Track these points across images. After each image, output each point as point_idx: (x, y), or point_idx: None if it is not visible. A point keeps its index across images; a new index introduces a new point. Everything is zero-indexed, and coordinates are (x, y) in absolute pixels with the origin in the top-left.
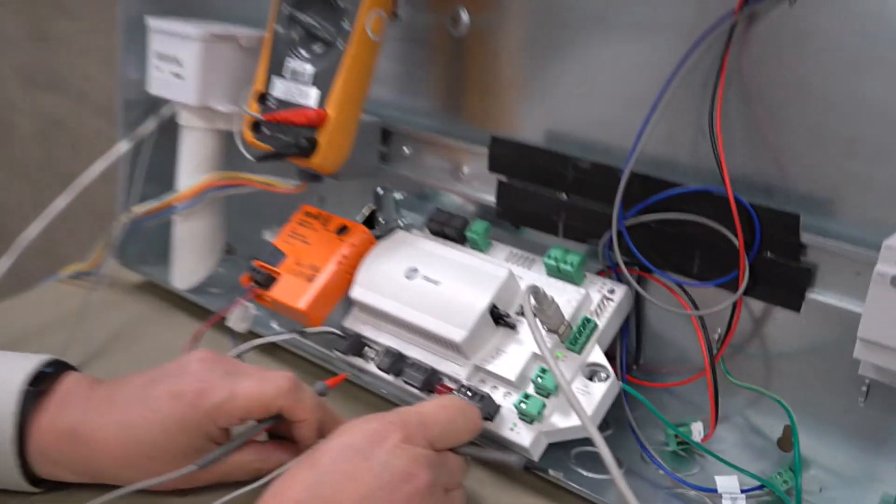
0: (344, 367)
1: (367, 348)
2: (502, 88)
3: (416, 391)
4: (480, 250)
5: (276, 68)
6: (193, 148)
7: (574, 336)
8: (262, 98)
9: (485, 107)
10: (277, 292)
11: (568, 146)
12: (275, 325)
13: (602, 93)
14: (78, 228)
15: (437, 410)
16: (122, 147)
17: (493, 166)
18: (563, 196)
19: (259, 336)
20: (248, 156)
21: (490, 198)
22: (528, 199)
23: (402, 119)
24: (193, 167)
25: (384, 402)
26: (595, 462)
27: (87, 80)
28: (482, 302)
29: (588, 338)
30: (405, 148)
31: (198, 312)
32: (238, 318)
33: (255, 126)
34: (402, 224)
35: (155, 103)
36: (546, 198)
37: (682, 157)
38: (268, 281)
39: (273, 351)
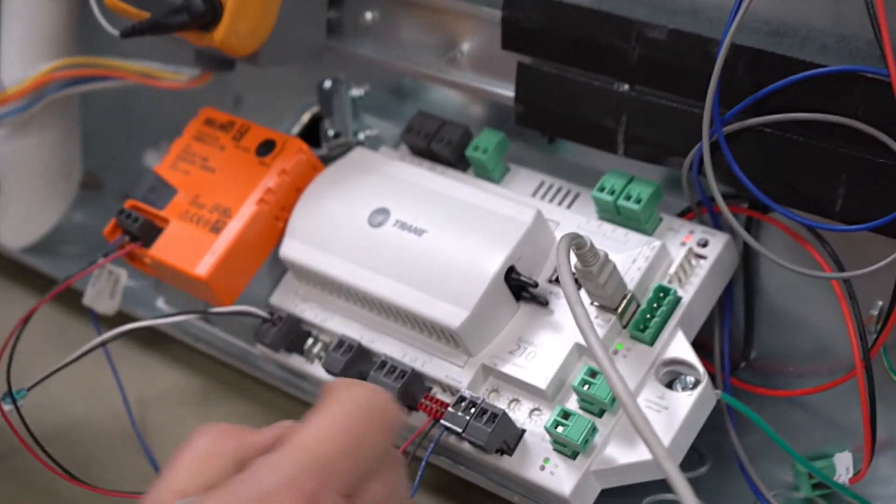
0: (272, 371)
1: (309, 340)
2: None
3: None
4: (491, 179)
5: None
6: (23, 17)
7: (642, 317)
8: None
9: None
10: (163, 250)
11: (630, 3)
12: (161, 304)
13: None
14: None
15: (330, 434)
16: None
17: (509, 40)
18: (624, 87)
19: (135, 319)
20: (109, 29)
21: (505, 92)
22: (567, 93)
23: None
24: (23, 50)
25: None
26: None
27: None
28: (493, 263)
29: (665, 319)
30: (367, 13)
31: (39, 282)
32: (100, 290)
33: None
34: (363, 138)
35: None
36: (595, 91)
37: (814, 20)
38: (148, 232)
39: (157, 344)
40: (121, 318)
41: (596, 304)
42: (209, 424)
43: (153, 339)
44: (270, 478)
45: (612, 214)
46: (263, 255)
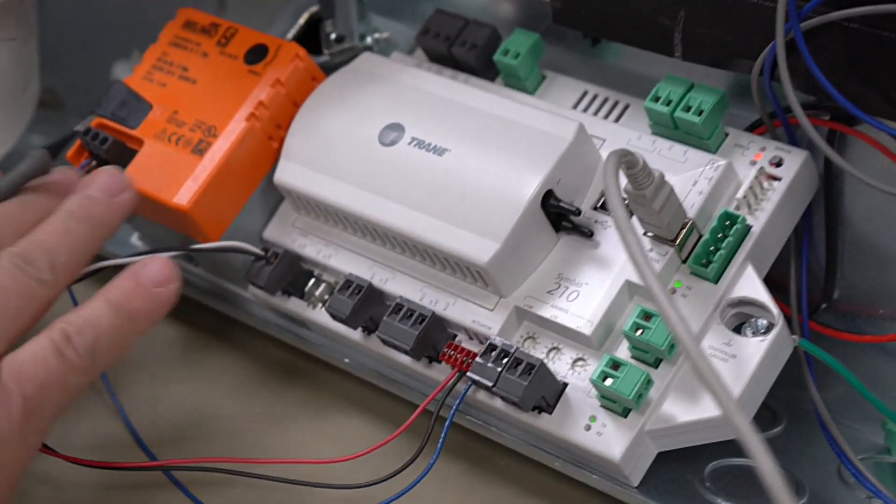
0: (267, 318)
1: (310, 281)
2: None
3: (403, 358)
4: (523, 89)
5: None
6: None
7: (705, 250)
8: None
9: None
10: (136, 176)
11: None
12: (135, 240)
13: None
14: None
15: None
16: None
17: None
18: None
19: (104, 258)
20: None
21: None
22: None
23: None
24: None
25: (342, 379)
26: (750, 487)
27: None
28: (527, 187)
29: (732, 252)
30: None
31: None
32: None
33: None
34: (370, 42)
35: None
36: None
37: None
38: (119, 155)
39: None
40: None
41: (650, 234)
42: None
43: None
44: None
45: (669, 129)
46: (256, 180)
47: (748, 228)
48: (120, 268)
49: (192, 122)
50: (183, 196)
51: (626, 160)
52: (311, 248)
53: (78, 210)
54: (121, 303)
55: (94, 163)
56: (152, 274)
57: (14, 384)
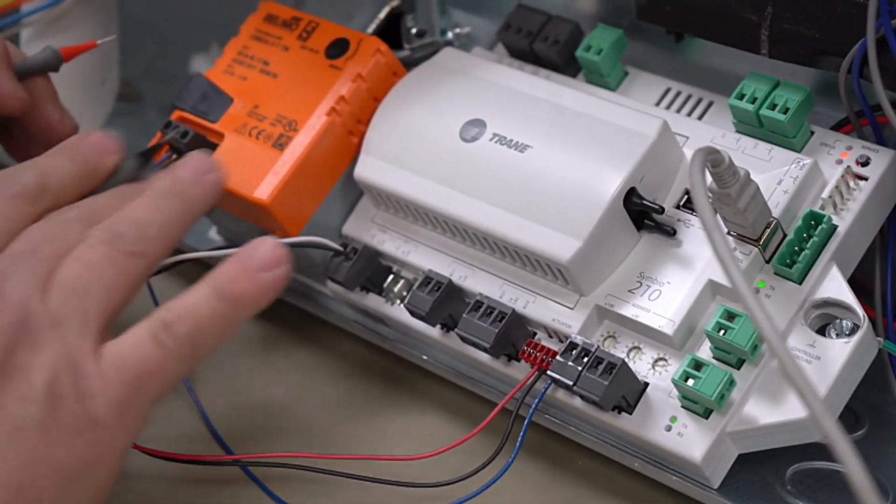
0: (345, 313)
1: (389, 276)
2: None
3: (482, 355)
4: (605, 86)
5: None
6: None
7: (789, 250)
8: None
9: None
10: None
11: None
12: (213, 234)
13: None
14: None
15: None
16: None
17: None
18: None
19: (182, 252)
20: None
21: None
22: None
23: None
24: None
25: (419, 376)
26: (832, 490)
27: None
28: (610, 184)
29: (817, 253)
30: None
31: None
32: None
33: None
34: (451, 37)
35: None
36: None
37: None
38: (199, 148)
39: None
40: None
41: (733, 233)
42: None
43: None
44: None
45: (754, 127)
46: (336, 175)
47: (834, 228)
48: (198, 262)
49: (273, 116)
50: (263, 190)
51: (712, 158)
52: (390, 244)
53: (168, 187)
54: (225, 288)
55: (174, 156)
56: (260, 257)
57: (114, 372)
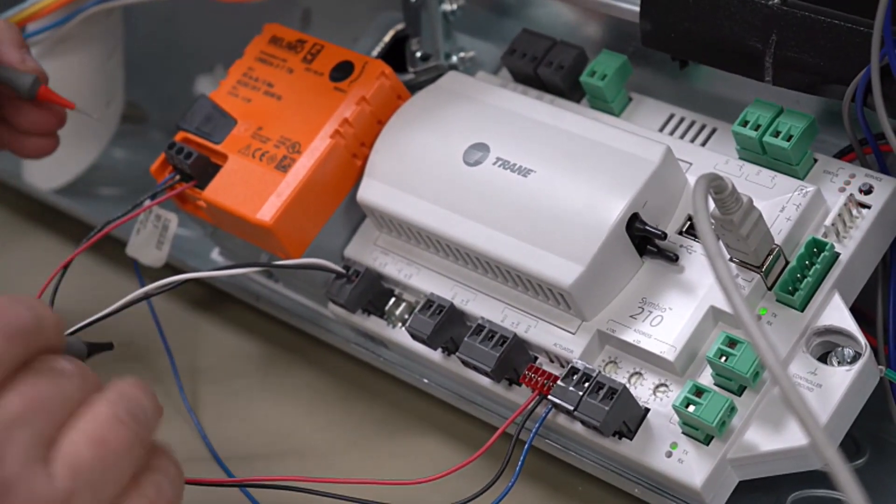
0: (346, 336)
1: (391, 299)
2: None
3: (483, 379)
4: (609, 111)
5: None
6: None
7: (792, 277)
8: None
9: None
10: (220, 191)
11: None
12: (216, 256)
13: None
14: None
15: None
16: None
17: None
18: (773, 0)
19: (186, 272)
20: None
21: (627, 6)
22: (704, 7)
23: None
24: None
25: (420, 399)
26: None
27: None
28: (613, 210)
29: (819, 280)
30: None
31: (74, 229)
32: (146, 239)
33: None
34: (456, 61)
35: None
36: (739, 5)
37: None
38: (203, 170)
39: (212, 302)
40: (169, 271)
41: (735, 260)
42: None
43: (207, 298)
44: None
45: (757, 154)
46: (338, 198)
47: (836, 256)
48: (201, 282)
49: (277, 138)
50: (266, 212)
51: (715, 185)
52: (392, 267)
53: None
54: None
55: (177, 176)
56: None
57: None
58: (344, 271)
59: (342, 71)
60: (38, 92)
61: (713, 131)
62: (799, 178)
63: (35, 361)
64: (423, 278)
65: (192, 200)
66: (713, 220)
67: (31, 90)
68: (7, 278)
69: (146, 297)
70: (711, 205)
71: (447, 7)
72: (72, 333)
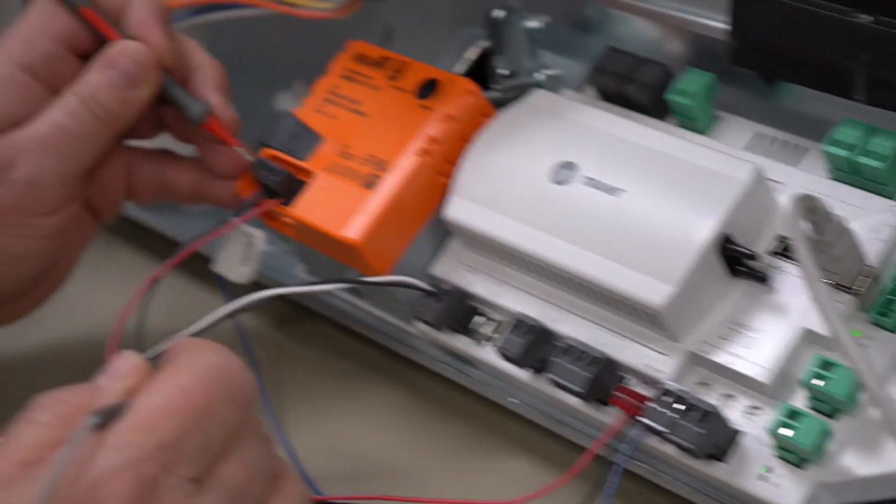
0: (432, 354)
1: (477, 318)
2: None
3: (573, 399)
4: (696, 129)
5: None
6: None
7: (887, 299)
8: None
9: None
10: (307, 209)
11: None
12: (300, 272)
13: None
14: None
15: (174, 408)
16: None
17: None
18: (864, 17)
19: (271, 288)
20: None
21: (717, 24)
22: (794, 24)
23: None
24: None
25: (507, 419)
26: None
27: None
28: (703, 230)
29: None
30: None
31: (158, 244)
32: (232, 255)
33: None
34: (541, 79)
35: None
36: (828, 22)
37: None
38: (289, 187)
39: (296, 319)
40: (254, 287)
41: (829, 281)
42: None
43: (291, 314)
44: (103, 461)
45: (848, 174)
46: (425, 216)
47: None
48: (286, 298)
49: (363, 155)
50: (353, 230)
51: (810, 205)
52: (479, 286)
53: None
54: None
55: (263, 194)
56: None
57: None
58: (431, 289)
59: (428, 88)
60: (206, 122)
61: (802, 150)
62: (892, 199)
63: (250, 424)
64: (511, 297)
65: (277, 217)
66: (808, 242)
67: (199, 117)
68: (91, 294)
69: (234, 314)
70: (806, 226)
71: (531, 24)
72: (159, 354)
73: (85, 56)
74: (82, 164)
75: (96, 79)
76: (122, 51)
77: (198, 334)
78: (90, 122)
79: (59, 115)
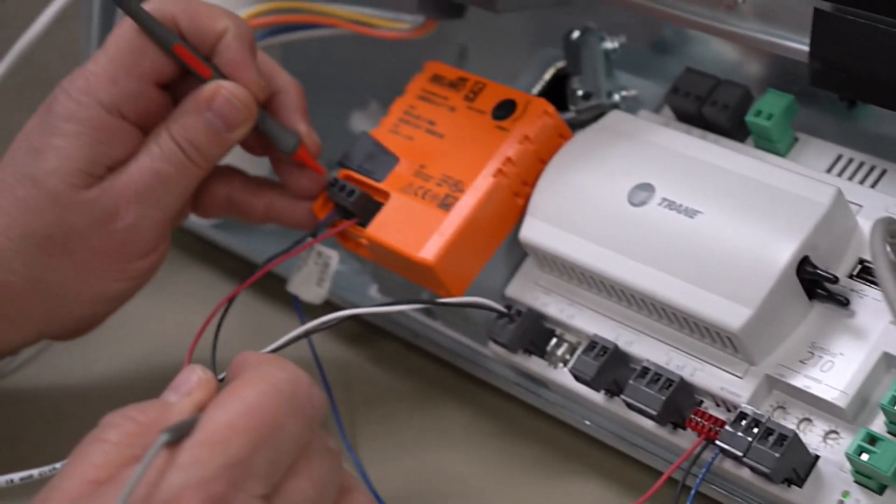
0: (506, 375)
1: (553, 340)
2: None
3: (647, 422)
4: (775, 151)
5: None
6: None
7: None
8: None
9: None
10: (382, 229)
11: None
12: (374, 293)
13: None
14: None
15: (242, 424)
16: None
17: None
18: None
19: (345, 309)
20: None
21: (795, 45)
22: (876, 46)
23: None
24: None
25: (581, 441)
26: None
27: None
28: (783, 252)
29: None
30: None
31: (233, 264)
32: (307, 276)
33: None
34: (618, 100)
35: None
36: None
37: None
38: (365, 208)
39: (369, 339)
40: (328, 308)
41: None
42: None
43: (365, 334)
44: (173, 479)
45: None
46: (500, 237)
47: None
48: (359, 318)
49: (439, 176)
50: (429, 251)
51: (892, 228)
52: (553, 307)
53: None
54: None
55: (338, 214)
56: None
57: None
58: (506, 310)
59: (505, 109)
60: (297, 153)
61: (883, 172)
62: None
63: (318, 438)
64: (586, 319)
65: (353, 238)
66: (890, 265)
67: (292, 148)
68: (167, 313)
69: (308, 333)
70: (889, 250)
71: (608, 45)
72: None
73: (167, 86)
74: (178, 207)
75: (194, 122)
76: (219, 92)
77: (275, 352)
78: (187, 167)
79: (156, 161)
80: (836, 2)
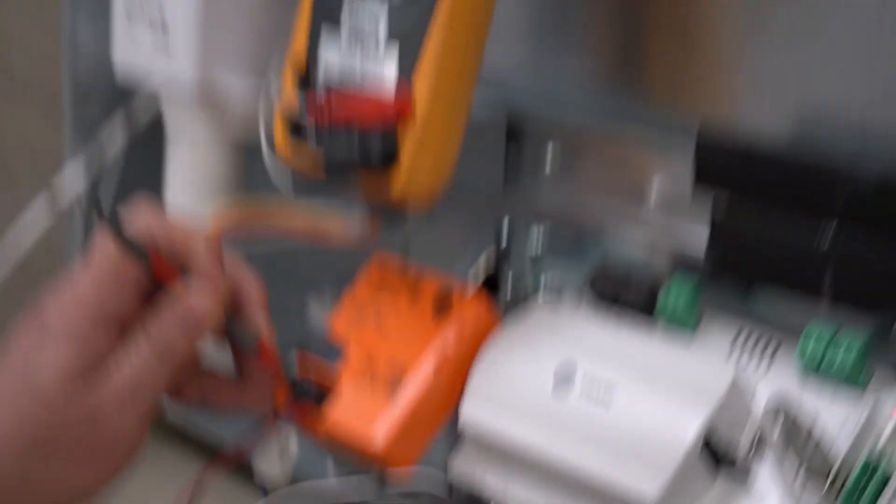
0: None
1: None
2: (713, 41)
3: None
4: (686, 328)
5: (325, 21)
6: (190, 163)
7: (854, 489)
8: (304, 77)
9: (683, 74)
10: (340, 414)
11: (836, 146)
12: (329, 470)
13: None
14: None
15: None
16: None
17: (701, 180)
18: (829, 234)
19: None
20: (281, 185)
21: (698, 240)
22: (765, 239)
23: (539, 102)
24: (190, 193)
25: None
26: None
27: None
28: (689, 430)
29: (873, 499)
30: (548, 153)
31: (197, 448)
32: (271, 454)
33: (295, 127)
34: (543, 284)
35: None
36: (797, 237)
37: None
38: (320, 396)
39: None
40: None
41: (804, 469)
42: None
43: None
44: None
45: (819, 369)
46: (444, 419)
47: (886, 480)
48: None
49: (386, 363)
50: (379, 436)
51: (781, 406)
52: (491, 481)
53: None
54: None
55: (297, 394)
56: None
57: None
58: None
59: (443, 299)
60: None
61: (777, 349)
62: (861, 391)
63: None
64: (518, 491)
65: (312, 420)
66: (781, 438)
67: (254, 351)
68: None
69: None
70: (780, 426)
71: (534, 238)
72: None
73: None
74: (155, 405)
75: (174, 334)
76: (198, 305)
77: None
78: (165, 369)
79: (137, 371)
80: (728, 200)
